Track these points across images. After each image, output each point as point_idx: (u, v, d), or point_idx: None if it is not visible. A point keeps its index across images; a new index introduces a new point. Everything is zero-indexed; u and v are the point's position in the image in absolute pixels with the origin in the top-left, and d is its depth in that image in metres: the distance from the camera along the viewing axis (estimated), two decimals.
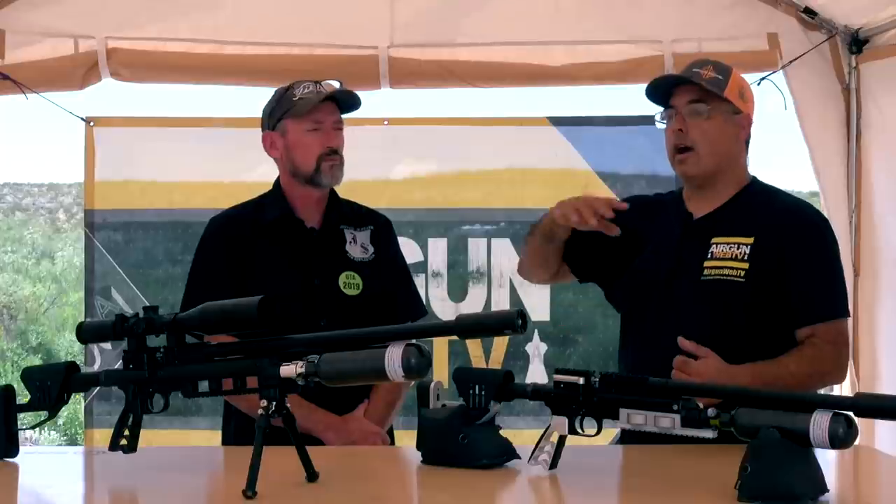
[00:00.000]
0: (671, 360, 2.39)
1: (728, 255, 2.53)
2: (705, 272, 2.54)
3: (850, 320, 4.11)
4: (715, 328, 2.46)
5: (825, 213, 4.27)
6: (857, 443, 1.83)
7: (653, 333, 2.56)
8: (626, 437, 2.37)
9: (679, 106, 2.59)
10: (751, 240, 2.53)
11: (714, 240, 2.57)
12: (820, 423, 1.72)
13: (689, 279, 2.55)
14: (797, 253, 2.52)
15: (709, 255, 2.55)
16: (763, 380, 2.38)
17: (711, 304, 2.52)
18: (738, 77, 2.63)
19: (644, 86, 2.67)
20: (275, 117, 2.84)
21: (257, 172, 3.85)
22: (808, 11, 4.16)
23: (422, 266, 4.43)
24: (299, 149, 2.81)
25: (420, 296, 3.11)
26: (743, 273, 2.51)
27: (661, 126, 2.64)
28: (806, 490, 1.76)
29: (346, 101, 2.86)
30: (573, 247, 2.69)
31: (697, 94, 2.57)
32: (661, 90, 2.64)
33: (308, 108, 2.78)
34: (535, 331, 4.42)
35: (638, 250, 2.66)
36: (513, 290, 4.48)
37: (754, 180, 2.69)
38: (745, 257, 2.51)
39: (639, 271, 2.66)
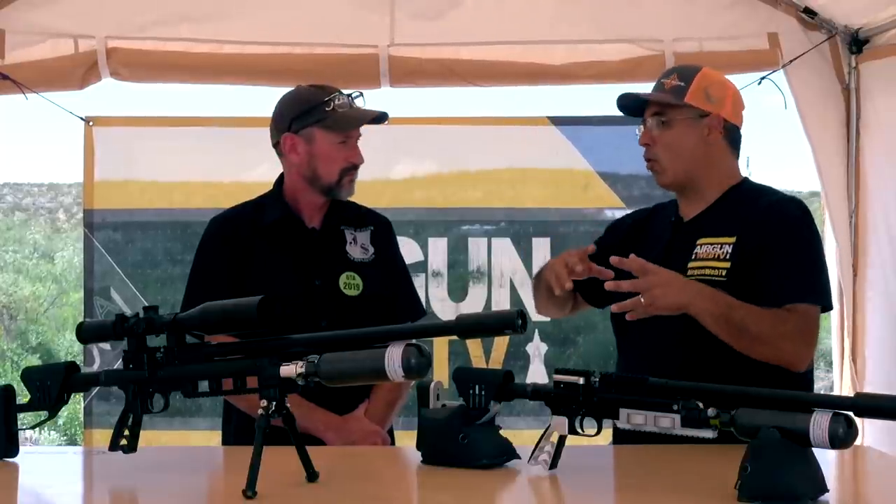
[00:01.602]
0: (658, 361, 2.39)
1: (711, 255, 2.55)
2: (689, 273, 2.55)
3: (848, 318, 4.20)
4: (698, 328, 2.46)
5: (825, 213, 4.29)
6: (857, 443, 1.83)
7: (640, 336, 2.56)
8: (621, 437, 2.36)
9: (646, 119, 2.64)
10: (733, 239, 2.54)
11: (699, 241, 2.58)
12: (820, 423, 1.72)
13: None
14: (771, 244, 2.51)
15: (693, 257, 2.57)
16: (719, 309, 2.38)
17: None
18: (706, 78, 2.61)
19: (645, 85, 2.70)
20: (301, 122, 2.82)
21: (257, 172, 3.86)
22: (808, 11, 4.16)
23: (422, 266, 4.43)
24: (325, 159, 2.81)
25: (419, 297, 3.11)
26: (724, 272, 2.51)
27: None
28: (806, 490, 1.75)
29: (381, 121, 2.89)
30: (592, 290, 2.72)
31: (658, 106, 2.62)
32: (633, 106, 2.68)
33: (347, 127, 2.80)
34: (536, 331, 4.42)
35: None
36: (513, 289, 4.48)
37: (745, 181, 2.69)
38: (727, 256, 2.52)
39: (628, 274, 2.66)
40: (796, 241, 2.54)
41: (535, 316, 4.18)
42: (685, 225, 2.65)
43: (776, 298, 2.46)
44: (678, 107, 2.59)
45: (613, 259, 2.41)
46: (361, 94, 2.88)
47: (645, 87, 2.73)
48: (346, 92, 2.87)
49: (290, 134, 2.84)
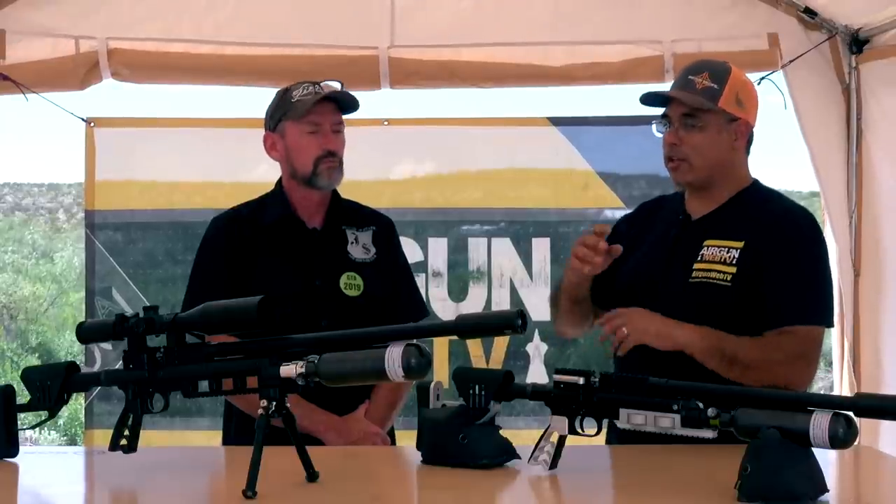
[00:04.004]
0: (660, 359, 2.39)
1: (717, 258, 2.54)
2: (694, 274, 2.55)
3: (849, 319, 4.19)
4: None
5: (825, 213, 4.29)
6: (857, 443, 1.83)
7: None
8: (621, 437, 2.36)
9: (673, 117, 2.60)
10: (741, 244, 2.53)
11: (706, 242, 2.57)
12: (820, 423, 1.72)
13: (678, 280, 2.56)
14: (778, 257, 2.51)
15: (699, 258, 2.56)
16: (708, 341, 2.41)
17: (697, 306, 2.52)
18: (738, 81, 2.60)
19: (644, 86, 2.69)
20: (275, 119, 2.84)
21: (257, 172, 3.86)
22: (809, 11, 4.16)
23: (422, 266, 4.43)
24: (297, 151, 2.81)
25: (422, 297, 3.11)
26: (730, 277, 2.51)
27: (658, 134, 2.64)
28: (806, 490, 1.76)
29: (345, 102, 2.85)
30: (595, 290, 2.71)
31: (689, 107, 2.56)
32: (657, 98, 2.64)
33: (305, 110, 2.77)
34: (536, 331, 4.42)
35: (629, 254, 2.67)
36: (513, 289, 4.48)
37: (755, 183, 2.68)
38: (734, 261, 2.52)
39: (632, 269, 2.66)
40: (804, 256, 2.55)
41: (535, 316, 4.18)
42: (693, 223, 2.64)
43: (777, 319, 2.48)
44: (711, 110, 2.56)
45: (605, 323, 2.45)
46: (342, 84, 2.84)
47: (644, 88, 2.71)
48: (332, 83, 2.84)
49: (268, 133, 2.86)
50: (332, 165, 2.81)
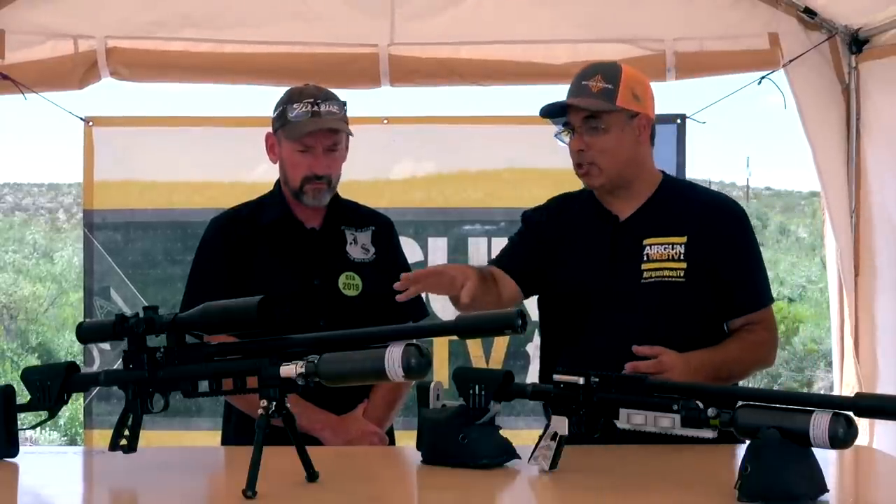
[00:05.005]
0: (616, 361, 2.37)
1: (664, 255, 2.57)
2: (645, 275, 2.56)
3: (851, 318, 4.20)
4: (660, 329, 2.50)
5: (826, 214, 4.29)
6: (857, 443, 1.83)
7: (595, 337, 2.56)
8: (621, 437, 2.35)
9: (575, 124, 2.61)
10: (683, 239, 2.57)
11: (646, 241, 2.59)
12: (820, 423, 1.72)
13: (629, 281, 2.57)
14: (729, 248, 2.59)
15: (644, 258, 2.57)
16: (713, 364, 2.47)
17: (654, 305, 2.54)
18: (630, 77, 2.60)
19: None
20: (274, 126, 2.84)
21: (257, 172, 3.86)
22: (809, 11, 4.16)
23: (422, 266, 4.41)
24: (289, 165, 2.81)
25: (422, 297, 3.10)
26: (682, 273, 2.55)
27: (562, 143, 2.66)
28: (806, 490, 1.76)
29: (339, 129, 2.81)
30: (514, 265, 2.73)
31: (590, 110, 2.58)
32: (555, 108, 2.64)
33: (293, 136, 2.76)
34: (536, 331, 4.39)
35: (559, 255, 2.68)
36: None
37: (665, 175, 2.72)
38: (681, 257, 2.55)
39: (571, 274, 2.65)
40: (749, 244, 2.66)
41: (535, 316, 4.18)
42: (623, 224, 2.64)
43: (743, 307, 2.60)
44: (611, 111, 2.57)
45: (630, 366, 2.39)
46: (345, 104, 2.83)
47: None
48: (341, 98, 2.84)
49: (269, 133, 2.86)
50: (319, 188, 2.79)
